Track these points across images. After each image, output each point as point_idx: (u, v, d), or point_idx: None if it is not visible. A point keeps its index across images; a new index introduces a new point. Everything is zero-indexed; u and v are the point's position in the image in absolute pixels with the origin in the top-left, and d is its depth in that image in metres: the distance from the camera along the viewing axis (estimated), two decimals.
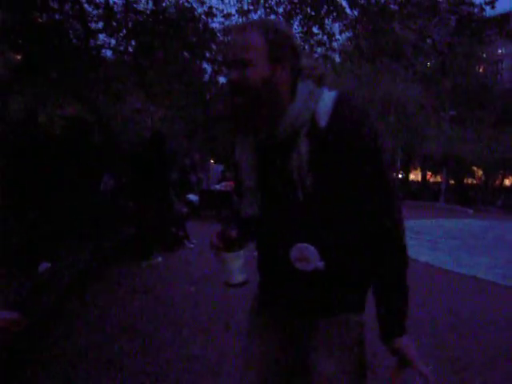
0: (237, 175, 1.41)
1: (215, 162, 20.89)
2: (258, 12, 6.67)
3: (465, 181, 35.54)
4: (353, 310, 1.36)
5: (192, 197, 10.69)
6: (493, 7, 5.67)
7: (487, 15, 6.03)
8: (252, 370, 1.43)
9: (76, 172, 6.22)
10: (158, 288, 5.18)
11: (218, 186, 12.67)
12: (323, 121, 1.21)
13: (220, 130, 15.96)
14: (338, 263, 1.28)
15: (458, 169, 31.92)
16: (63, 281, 4.30)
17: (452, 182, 35.26)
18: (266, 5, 6.51)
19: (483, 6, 5.64)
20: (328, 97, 1.25)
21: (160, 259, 6.62)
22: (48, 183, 5.49)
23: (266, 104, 1.22)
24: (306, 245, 1.25)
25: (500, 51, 45.10)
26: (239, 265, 1.33)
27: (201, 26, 6.62)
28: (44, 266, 4.40)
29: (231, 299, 4.76)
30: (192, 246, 8.02)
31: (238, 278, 1.33)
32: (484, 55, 35.75)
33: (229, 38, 1.32)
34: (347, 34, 6.64)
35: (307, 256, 1.25)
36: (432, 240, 10.50)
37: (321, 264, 1.25)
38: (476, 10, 5.94)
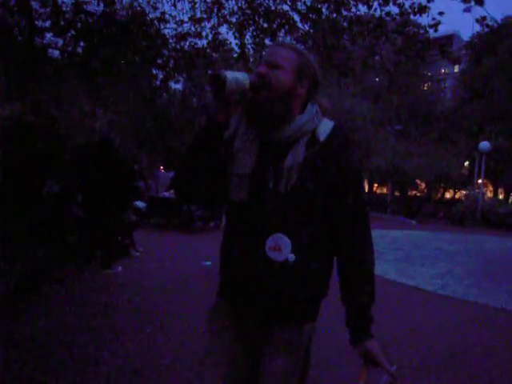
0: (227, 163, 1.49)
1: (165, 169, 20.60)
2: (211, 21, 6.67)
3: (409, 193, 36.90)
4: (308, 318, 1.50)
5: (139, 203, 10.46)
6: (436, 30, 5.96)
7: (431, 36, 6.32)
8: (219, 370, 1.55)
9: (15, 175, 5.93)
10: (100, 298, 5.02)
11: (167, 194, 12.49)
12: (322, 136, 1.44)
13: (170, 135, 15.78)
14: (305, 261, 1.41)
15: (402, 181, 33.10)
16: None
17: (397, 194, 36.53)
18: (220, 14, 6.53)
19: (427, 28, 5.92)
20: (329, 122, 1.49)
21: (120, 268, 6.46)
22: None
23: (280, 107, 1.40)
24: (281, 235, 1.39)
25: (443, 71, 47.36)
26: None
27: (152, 31, 6.54)
28: None
29: (176, 306, 4.70)
30: (138, 254, 7.85)
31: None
32: (429, 74, 37.52)
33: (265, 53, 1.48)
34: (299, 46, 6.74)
35: (281, 246, 1.38)
36: (377, 250, 10.72)
37: (291, 257, 1.38)
38: (421, 30, 6.23)
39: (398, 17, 5.70)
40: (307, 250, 1.41)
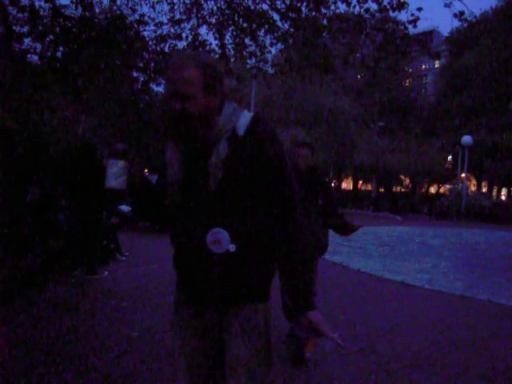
0: (163, 173, 1.63)
1: (150, 172, 20.44)
2: (191, 22, 6.64)
3: (394, 189, 37.25)
4: (259, 298, 1.58)
5: (124, 207, 10.37)
6: (415, 26, 6.01)
7: (411, 33, 6.37)
8: (184, 363, 1.63)
9: None
10: (83, 303, 4.96)
11: None
12: (241, 130, 1.52)
13: (153, 138, 15.66)
14: (246, 248, 1.50)
15: (386, 177, 33.39)
16: None
17: (382, 190, 36.84)
18: (199, 15, 6.50)
19: (406, 24, 5.96)
20: (247, 114, 1.57)
21: (106, 273, 6.40)
22: None
23: (200, 124, 1.50)
24: (218, 229, 1.48)
25: (424, 66, 47.85)
26: (115, 172, 1.52)
27: (132, 34, 6.48)
28: None
29: (164, 309, 4.66)
30: (123, 258, 7.78)
31: (111, 182, 1.52)
32: (410, 70, 37.86)
33: (169, 71, 1.51)
34: (279, 45, 6.77)
35: (220, 239, 1.48)
36: (363, 247, 10.87)
37: (232, 247, 1.48)
38: (401, 27, 6.27)
39: (377, 14, 5.73)
40: (247, 238, 1.50)
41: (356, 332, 4.37)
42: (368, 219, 21.04)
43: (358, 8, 5.83)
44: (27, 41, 6.98)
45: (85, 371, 3.19)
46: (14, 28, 6.68)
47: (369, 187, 40.44)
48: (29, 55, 7.38)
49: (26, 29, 6.81)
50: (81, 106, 11.10)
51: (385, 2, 5.59)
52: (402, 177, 35.98)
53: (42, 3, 6.32)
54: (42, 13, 6.52)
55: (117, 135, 15.69)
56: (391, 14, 6.02)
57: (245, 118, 1.54)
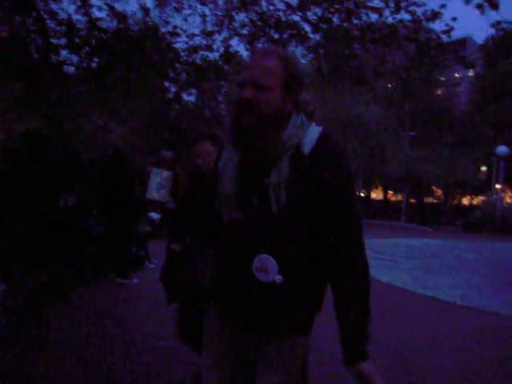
0: (213, 184, 1.49)
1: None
2: (222, 34, 6.71)
3: (425, 200, 36.51)
4: (300, 332, 1.44)
5: (154, 215, 10.50)
6: (449, 36, 5.91)
7: (444, 42, 6.26)
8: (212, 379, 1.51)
9: (34, 189, 6.00)
10: (113, 310, 5.03)
11: None
12: (307, 149, 1.35)
13: (183, 147, 15.90)
14: (294, 280, 1.35)
15: (418, 188, 32.80)
16: (17, 303, 4.10)
17: (413, 200, 36.16)
18: (230, 26, 6.57)
19: (440, 34, 5.87)
20: (315, 130, 1.40)
21: (136, 281, 6.49)
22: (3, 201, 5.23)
23: (269, 128, 1.32)
24: (267, 256, 1.33)
25: (457, 75, 47.01)
26: (157, 182, 1.44)
27: (164, 45, 6.61)
28: None
29: None
30: (152, 266, 7.86)
31: (153, 193, 1.46)
32: (442, 79, 37.21)
33: (248, 60, 1.39)
34: (309, 56, 6.76)
35: (267, 267, 1.34)
36: (393, 260, 10.67)
37: (278, 278, 1.33)
38: (434, 36, 6.18)
39: (410, 24, 5.66)
40: (296, 270, 1.36)
41: (384, 347, 4.27)
42: (398, 231, 20.71)
43: (390, 19, 5.79)
44: (64, 52, 7.22)
45: (112, 377, 3.22)
46: (52, 40, 6.91)
47: (399, 198, 39.78)
48: (65, 66, 7.62)
49: (63, 41, 7.04)
50: (112, 115, 11.38)
51: (418, 13, 5.52)
52: (434, 188, 35.27)
53: (79, 16, 6.52)
54: (78, 26, 6.73)
55: (147, 143, 16.00)
56: (424, 23, 5.94)
57: (312, 134, 1.37)
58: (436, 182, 30.43)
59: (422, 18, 5.59)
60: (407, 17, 5.66)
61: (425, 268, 9.81)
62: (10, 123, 9.78)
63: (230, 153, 1.46)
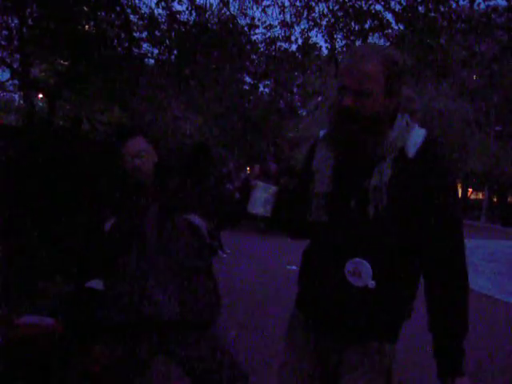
0: (305, 182, 1.46)
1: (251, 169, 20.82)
2: (301, 25, 6.61)
3: (509, 199, 34.28)
4: (387, 339, 1.41)
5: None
6: None
7: None
8: None
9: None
10: None
11: None
12: (411, 152, 1.30)
13: (256, 138, 16.00)
14: (387, 286, 1.33)
15: (501, 186, 30.83)
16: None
17: (495, 199, 34.09)
18: (310, 17, 6.44)
19: None
20: (419, 132, 1.35)
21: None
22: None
23: (373, 131, 1.30)
24: (362, 260, 1.31)
25: None
26: (264, 197, 1.38)
27: (242, 37, 6.62)
28: None
29: (264, 307, 4.67)
30: (225, 255, 8.00)
31: (258, 209, 1.38)
32: None
33: (346, 62, 1.32)
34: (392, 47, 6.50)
35: (361, 271, 1.31)
36: (472, 262, 10.09)
37: (372, 283, 1.31)
38: None
39: (505, 13, 5.23)
40: (390, 276, 1.33)
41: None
42: (478, 231, 19.61)
43: (482, 6, 5.38)
44: (145, 45, 7.47)
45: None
46: (134, 34, 7.16)
47: (480, 196, 37.66)
48: (146, 59, 7.89)
49: (144, 34, 7.28)
50: (190, 105, 11.65)
51: None
52: None
53: (160, 10, 6.69)
54: (159, 19, 6.92)
55: (221, 133, 16.28)
56: None
57: (417, 137, 1.33)
58: None
59: None
60: (503, 3, 5.23)
61: (507, 273, 9.20)
62: (94, 114, 10.32)
63: (325, 152, 1.43)
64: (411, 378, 3.29)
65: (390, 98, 1.29)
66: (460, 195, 37.64)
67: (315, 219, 1.40)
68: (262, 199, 1.39)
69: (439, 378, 1.32)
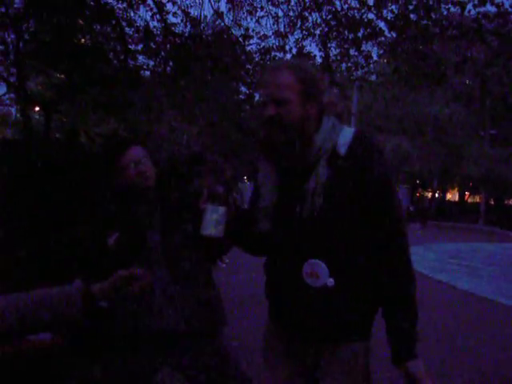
0: (256, 195, 1.53)
1: (249, 180, 20.86)
2: (295, 34, 6.67)
3: (506, 202, 34.38)
4: (359, 337, 1.42)
5: None
6: None
7: None
8: None
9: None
10: None
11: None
12: (343, 150, 1.37)
13: (253, 147, 16.05)
14: (346, 282, 1.36)
15: (498, 189, 30.92)
16: None
17: (492, 202, 34.17)
18: (303, 27, 6.50)
19: None
20: (348, 131, 1.42)
21: None
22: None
23: (297, 137, 1.36)
24: (316, 261, 1.35)
25: None
26: (215, 219, 1.42)
27: (237, 48, 6.68)
28: None
29: (265, 316, 4.66)
30: (224, 265, 7.97)
31: (210, 230, 1.41)
32: None
33: (262, 77, 1.47)
34: (385, 55, 6.55)
35: (317, 272, 1.35)
36: (472, 266, 10.12)
37: (330, 281, 1.34)
38: None
39: (495, 18, 5.29)
40: (347, 272, 1.36)
41: (463, 360, 4.04)
42: (476, 234, 19.66)
43: (473, 12, 5.44)
44: (141, 58, 7.52)
45: None
46: (130, 46, 7.21)
47: (477, 199, 37.74)
48: (142, 71, 7.93)
49: (139, 46, 7.33)
50: (185, 115, 11.69)
51: (506, 5, 5.14)
52: None
53: (155, 23, 6.74)
54: (154, 31, 6.97)
55: (214, 142, 16.32)
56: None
57: (346, 136, 1.39)
58: None
59: (511, 10, 5.20)
60: (492, 10, 5.30)
61: (507, 276, 9.19)
62: (90, 126, 10.34)
63: (265, 166, 1.50)
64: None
65: (309, 103, 1.37)
66: (457, 199, 37.75)
67: (260, 230, 1.46)
68: (212, 221, 1.43)
69: (394, 364, 1.37)
